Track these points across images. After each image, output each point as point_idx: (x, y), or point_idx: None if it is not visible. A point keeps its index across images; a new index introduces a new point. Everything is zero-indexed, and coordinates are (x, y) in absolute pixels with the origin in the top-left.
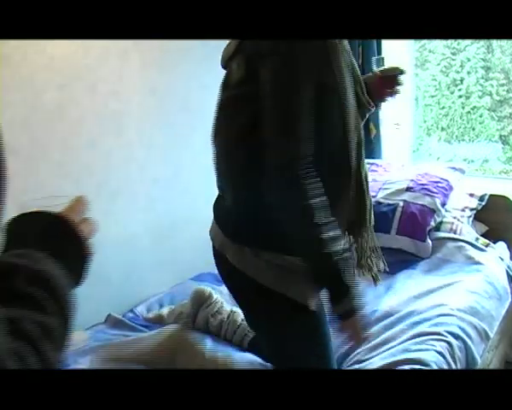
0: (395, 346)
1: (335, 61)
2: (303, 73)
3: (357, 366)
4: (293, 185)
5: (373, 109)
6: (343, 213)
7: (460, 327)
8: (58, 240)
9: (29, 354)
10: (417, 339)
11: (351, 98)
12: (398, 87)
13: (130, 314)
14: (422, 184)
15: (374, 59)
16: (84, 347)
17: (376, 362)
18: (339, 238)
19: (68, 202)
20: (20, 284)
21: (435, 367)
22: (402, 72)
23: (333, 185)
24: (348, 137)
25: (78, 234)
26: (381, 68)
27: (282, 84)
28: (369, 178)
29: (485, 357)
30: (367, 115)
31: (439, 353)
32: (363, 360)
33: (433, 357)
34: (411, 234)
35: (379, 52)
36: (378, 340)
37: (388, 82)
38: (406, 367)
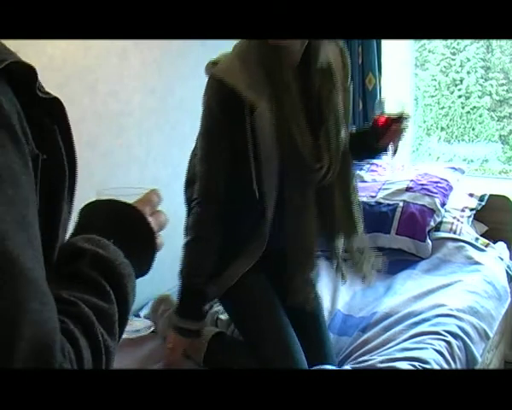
0: (393, 346)
1: (252, 129)
2: (216, 136)
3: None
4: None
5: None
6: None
7: (459, 327)
8: (127, 229)
9: (83, 336)
10: (416, 339)
11: (271, 157)
12: (402, 132)
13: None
14: (422, 185)
15: (376, 102)
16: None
17: (374, 362)
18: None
19: (143, 194)
20: (84, 268)
21: (434, 365)
22: (405, 117)
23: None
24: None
25: (147, 225)
26: (384, 113)
27: (200, 134)
28: (357, 188)
29: (485, 357)
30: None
31: (438, 351)
32: (362, 362)
33: (431, 355)
34: (411, 234)
35: (378, 52)
36: (376, 342)
37: (391, 127)
38: (404, 363)
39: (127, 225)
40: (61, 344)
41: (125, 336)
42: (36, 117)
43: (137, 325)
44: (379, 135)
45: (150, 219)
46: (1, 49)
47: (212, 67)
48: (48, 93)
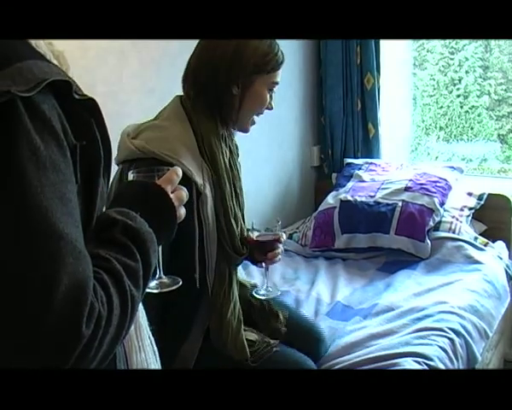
0: (397, 339)
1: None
2: None
3: (357, 353)
4: None
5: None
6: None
7: (461, 325)
8: (154, 205)
9: (113, 285)
10: (420, 333)
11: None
12: (277, 254)
13: None
14: (421, 184)
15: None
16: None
17: (376, 352)
18: None
19: (166, 173)
20: (116, 234)
21: (438, 362)
22: (278, 240)
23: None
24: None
25: (169, 201)
26: (257, 233)
27: None
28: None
29: (485, 356)
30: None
31: (442, 348)
32: (361, 349)
33: (435, 352)
34: (410, 234)
35: (377, 51)
36: (379, 331)
37: (265, 247)
38: (409, 360)
39: (154, 201)
40: (94, 289)
41: (155, 291)
42: (76, 113)
43: (166, 281)
44: (253, 252)
45: (172, 195)
46: (44, 68)
47: (134, 139)
48: (84, 95)
